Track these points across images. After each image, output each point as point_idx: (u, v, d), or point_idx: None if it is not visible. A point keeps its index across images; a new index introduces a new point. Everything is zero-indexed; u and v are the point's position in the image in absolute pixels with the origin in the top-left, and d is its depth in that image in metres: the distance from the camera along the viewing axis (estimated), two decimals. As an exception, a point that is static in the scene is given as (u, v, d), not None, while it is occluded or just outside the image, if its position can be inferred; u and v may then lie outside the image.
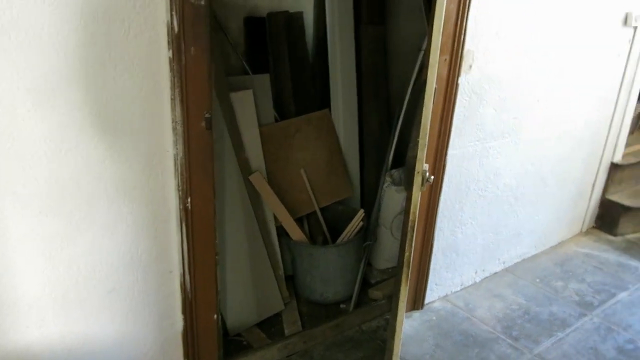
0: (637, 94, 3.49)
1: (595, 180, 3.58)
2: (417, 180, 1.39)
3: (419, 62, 2.89)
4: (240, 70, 2.83)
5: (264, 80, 2.74)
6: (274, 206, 2.65)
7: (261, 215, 2.64)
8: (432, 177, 1.54)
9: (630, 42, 3.20)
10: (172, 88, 1.60)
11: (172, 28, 1.53)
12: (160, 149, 1.66)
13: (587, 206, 3.64)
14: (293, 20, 2.87)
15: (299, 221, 2.88)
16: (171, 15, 1.52)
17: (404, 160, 3.15)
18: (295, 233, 2.70)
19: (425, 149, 1.35)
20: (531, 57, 2.69)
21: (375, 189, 3.13)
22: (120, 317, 1.79)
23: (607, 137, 3.47)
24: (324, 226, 2.92)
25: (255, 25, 2.82)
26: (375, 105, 3.15)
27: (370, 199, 3.16)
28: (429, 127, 1.37)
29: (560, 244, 3.57)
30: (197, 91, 1.63)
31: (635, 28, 3.18)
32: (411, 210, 1.44)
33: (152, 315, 1.86)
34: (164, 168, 1.70)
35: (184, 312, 1.92)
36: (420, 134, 1.36)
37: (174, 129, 1.65)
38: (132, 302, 1.80)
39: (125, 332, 1.82)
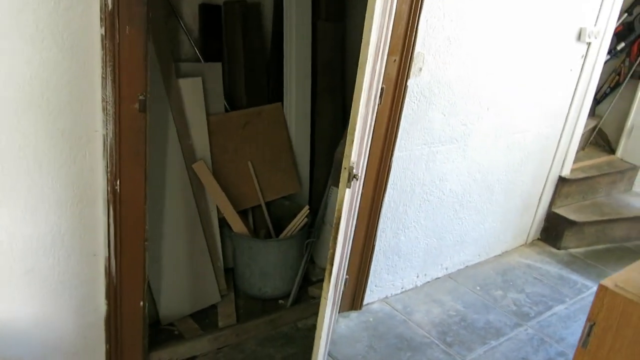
0: (588, 109, 3.56)
1: (542, 193, 3.65)
2: (344, 176, 1.38)
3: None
4: (193, 57, 2.78)
5: (215, 69, 2.70)
6: (216, 196, 2.61)
7: (203, 205, 2.61)
8: (360, 173, 1.54)
9: (583, 58, 3.27)
10: (104, 67, 1.55)
11: (106, 4, 1.48)
12: (89, 129, 1.62)
13: (533, 218, 3.71)
14: (250, 10, 2.84)
15: (243, 214, 2.86)
16: (102, -9, 1.47)
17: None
18: (237, 225, 2.67)
19: (353, 145, 1.35)
20: (483, 64, 2.72)
21: (324, 186, 3.12)
22: (39, 298, 1.74)
23: (557, 150, 3.54)
24: (268, 220, 2.90)
25: (211, 12, 2.78)
26: (330, 102, 3.15)
27: (318, 196, 3.15)
28: (357, 123, 1.36)
29: (504, 253, 3.62)
30: (130, 71, 1.59)
31: (589, 44, 3.25)
32: (337, 207, 1.43)
33: (73, 298, 1.81)
34: (93, 148, 1.65)
35: (107, 297, 1.87)
36: (349, 129, 1.35)
37: (104, 108, 1.60)
38: (52, 284, 1.75)
39: (43, 314, 1.77)
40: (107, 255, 1.80)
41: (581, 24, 3.13)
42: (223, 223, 2.71)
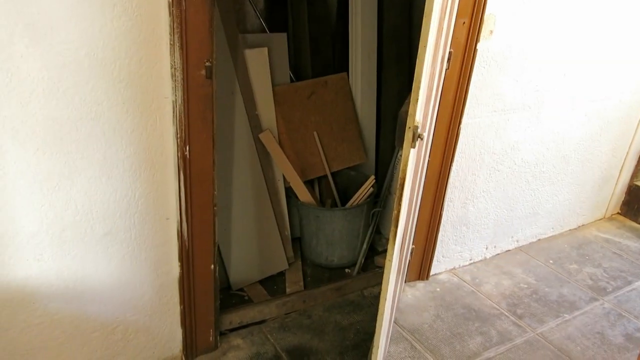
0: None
1: (623, 165, 3.45)
2: (408, 136, 1.35)
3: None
4: (259, 28, 2.81)
5: (281, 39, 2.71)
6: (283, 166, 2.65)
7: (270, 175, 2.65)
8: (425, 133, 1.51)
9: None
10: (171, 33, 1.59)
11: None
12: (158, 95, 1.67)
13: (612, 191, 3.52)
14: (315, -21, 2.83)
15: (309, 184, 2.88)
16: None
17: (422, 130, 3.10)
18: (303, 195, 2.70)
19: (418, 103, 1.32)
20: (560, 26, 2.58)
21: (390, 156, 3.09)
22: (117, 259, 1.83)
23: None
24: (334, 190, 2.91)
25: (276, -18, 2.79)
26: (396, 71, 3.10)
27: (384, 167, 3.13)
28: (422, 81, 1.33)
29: (580, 227, 3.47)
30: (197, 38, 1.62)
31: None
32: (401, 168, 1.41)
33: (148, 260, 1.89)
34: (163, 114, 1.70)
35: (180, 259, 1.95)
36: (413, 87, 1.32)
37: (173, 75, 1.65)
38: (129, 246, 1.83)
39: (121, 274, 1.86)
40: (179, 219, 1.87)
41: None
42: (290, 193, 2.75)
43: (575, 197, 3.30)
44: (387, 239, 3.02)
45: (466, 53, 2.30)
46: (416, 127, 1.33)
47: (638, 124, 3.35)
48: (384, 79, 3.07)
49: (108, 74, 1.56)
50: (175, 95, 1.68)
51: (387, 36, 3.01)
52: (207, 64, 1.68)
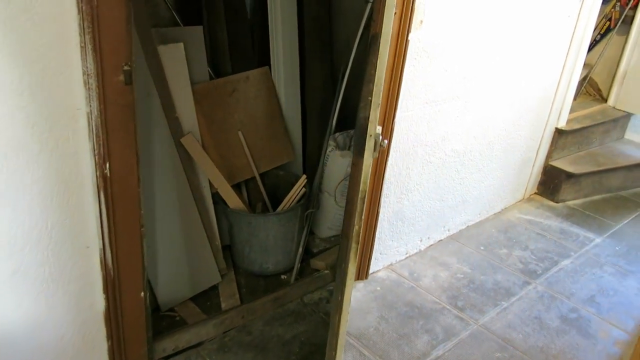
0: (584, 57, 3.44)
1: (539, 146, 3.55)
2: (369, 144, 1.22)
3: (366, 15, 2.70)
4: (171, 21, 2.56)
5: (196, 33, 2.48)
6: (208, 171, 2.44)
7: (195, 182, 2.43)
8: (386, 141, 1.38)
9: (581, 2, 3.12)
10: (82, 34, 1.35)
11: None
12: (69, 107, 1.42)
13: (530, 172, 3.62)
14: (230, -33, 2.61)
15: (236, 188, 2.69)
16: (77, -56, 1.26)
17: (349, 123, 3.00)
18: (232, 200, 2.51)
19: (379, 108, 1.19)
20: (487, 14, 2.56)
21: (318, 153, 2.96)
22: (29, 299, 1.56)
23: (554, 101, 3.42)
24: (264, 193, 2.74)
25: (188, -30, 2.55)
26: (319, 63, 2.96)
27: (313, 164, 2.99)
28: (383, 82, 1.20)
29: (504, 210, 3.54)
30: (113, 38, 1.39)
31: (586, -12, 3.11)
32: (361, 180, 1.28)
33: (67, 295, 1.64)
34: (76, 129, 1.46)
35: (105, 290, 1.71)
36: (374, 91, 1.19)
37: (86, 83, 1.40)
38: (43, 283, 1.57)
39: (36, 315, 1.60)
40: (101, 246, 1.63)
41: (579, -34, 2.98)
42: (217, 199, 2.54)
43: (498, 182, 3.35)
44: (322, 239, 2.91)
45: (398, 44, 2.20)
46: (378, 135, 1.20)
47: (551, 105, 3.44)
48: (307, 71, 2.92)
49: (5, 85, 1.29)
50: (90, 106, 1.43)
51: (309, 27, 2.86)
52: (126, 68, 1.45)
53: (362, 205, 1.31)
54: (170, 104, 2.29)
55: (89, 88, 1.41)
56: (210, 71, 2.58)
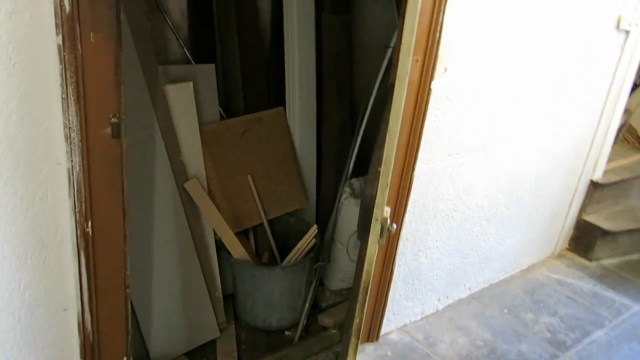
0: (624, 104, 3.22)
1: (572, 199, 3.32)
2: (375, 229, 1.06)
3: (386, 60, 2.56)
4: (182, 58, 2.45)
5: (208, 71, 2.37)
6: (212, 219, 2.29)
7: (198, 229, 2.29)
8: (395, 225, 1.22)
9: (622, 48, 2.92)
10: (64, 84, 1.22)
11: (62, 7, 1.15)
12: (48, 161, 1.29)
13: (561, 227, 3.39)
14: (245, 2, 2.50)
15: (244, 234, 2.54)
16: (60, -12, 1.14)
17: (366, 168, 2.84)
18: (236, 250, 2.36)
19: (387, 189, 1.02)
20: (515, 60, 2.39)
21: (333, 199, 2.80)
22: (-3, 365, 1.42)
23: (589, 151, 3.20)
24: (272, 241, 2.58)
25: (201, 6, 2.45)
26: (337, 105, 2.81)
27: (326, 210, 2.83)
28: (393, 161, 1.04)
29: (531, 267, 3.30)
30: (98, 89, 1.26)
31: (628, 32, 2.90)
32: (364, 268, 1.11)
33: (40, 362, 1.49)
34: (56, 184, 1.32)
35: (83, 357, 1.56)
36: (382, 170, 1.03)
37: (67, 137, 1.28)
38: (13, 348, 1.43)
39: (4, 383, 1.45)
40: (80, 309, 1.49)
41: (620, 12, 2.78)
42: (221, 244, 2.39)
43: (526, 237, 3.13)
44: (332, 292, 2.73)
45: (420, 93, 2.04)
46: (385, 220, 1.03)
47: (587, 155, 3.23)
48: (324, 113, 2.78)
49: (-25, 139, 1.16)
50: (72, 161, 1.30)
51: (327, 67, 2.73)
52: (114, 120, 1.31)
53: (364, 297, 1.14)
54: (175, 147, 2.16)
55: (70, 142, 1.28)
56: (221, 111, 2.46)
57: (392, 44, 2.53)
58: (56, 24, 1.17)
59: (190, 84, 2.21)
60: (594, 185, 3.37)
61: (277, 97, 2.69)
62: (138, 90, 2.02)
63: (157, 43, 2.36)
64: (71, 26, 1.17)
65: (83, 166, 1.31)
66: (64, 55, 1.20)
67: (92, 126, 1.28)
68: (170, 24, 2.33)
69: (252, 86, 2.57)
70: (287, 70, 2.62)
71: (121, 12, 1.24)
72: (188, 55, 2.39)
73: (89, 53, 1.22)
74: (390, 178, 1.04)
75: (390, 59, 2.53)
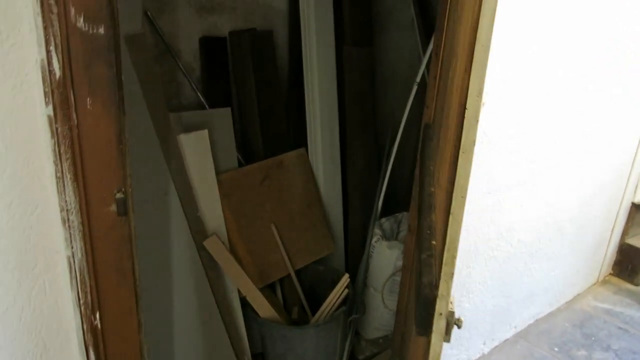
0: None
1: (614, 224, 3.09)
2: (439, 325, 0.86)
3: (412, 97, 2.38)
4: (196, 102, 2.28)
5: (224, 116, 2.19)
6: (235, 277, 2.09)
7: (220, 289, 2.09)
8: (463, 319, 1.01)
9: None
10: (58, 162, 1.04)
11: (51, 71, 0.97)
12: (44, 252, 1.10)
13: (605, 252, 3.15)
14: (261, 40, 2.33)
15: (270, 288, 2.34)
16: (48, 51, 0.96)
17: (396, 205, 2.63)
18: (264, 309, 2.15)
19: (453, 279, 0.83)
20: (550, 93, 2.20)
21: (362, 242, 2.59)
22: None
23: (630, 174, 2.98)
24: (301, 294, 2.37)
25: (214, 46, 2.28)
26: (362, 141, 2.62)
27: (356, 254, 2.62)
28: (458, 245, 0.85)
29: (577, 297, 3.06)
30: (99, 163, 1.08)
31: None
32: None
33: None
34: (55, 276, 1.14)
35: None
36: (446, 258, 0.83)
37: (65, 220, 1.09)
38: None
39: None
40: (92, 410, 1.28)
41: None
42: (246, 301, 2.19)
43: (570, 269, 2.90)
44: (368, 341, 2.50)
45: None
46: (451, 314, 0.83)
47: (628, 179, 3.00)
48: (348, 151, 2.59)
49: (-45, 234, 0.98)
50: (72, 248, 1.11)
51: (350, 102, 2.54)
52: (119, 195, 1.13)
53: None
54: (191, 202, 1.98)
55: (69, 226, 1.09)
56: (239, 157, 2.28)
57: (418, 79, 2.35)
58: (45, 93, 0.99)
59: (206, 132, 2.03)
60: (635, 208, 3.15)
61: (298, 137, 2.51)
62: (148, 143, 1.85)
63: (168, 88, 2.19)
64: (63, 93, 1.00)
65: (86, 252, 1.12)
66: (57, 128, 1.01)
67: (93, 206, 1.10)
68: (181, 67, 2.17)
69: (271, 127, 2.39)
70: (307, 108, 2.43)
71: (121, 67, 1.06)
72: (202, 99, 2.22)
73: (86, 122, 1.03)
74: (455, 265, 0.84)
75: (418, 95, 2.35)
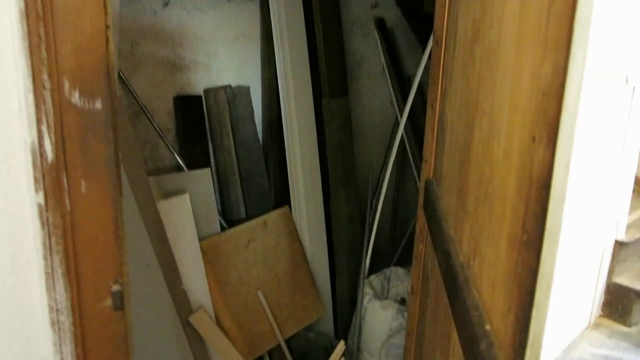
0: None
1: (601, 264, 3.07)
2: None
3: (394, 150, 2.33)
4: (173, 164, 2.15)
5: (203, 177, 2.07)
6: (224, 354, 1.93)
7: (208, 366, 1.92)
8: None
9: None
10: (48, 256, 0.90)
11: (43, 154, 0.84)
12: (29, 357, 0.94)
13: (593, 293, 3.11)
14: (238, 96, 2.24)
15: (259, 359, 2.17)
16: (39, 131, 0.83)
17: (384, 260, 2.54)
18: (256, 385, 1.99)
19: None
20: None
21: (350, 301, 2.47)
22: None
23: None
24: (292, 364, 2.22)
25: (189, 105, 2.17)
26: (345, 194, 2.53)
27: (345, 316, 2.49)
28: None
29: (572, 344, 2.99)
30: (94, 253, 0.94)
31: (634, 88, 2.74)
32: None
33: None
34: (41, 385, 0.97)
35: None
36: (528, 354, 0.73)
37: (55, 322, 0.94)
38: None
39: None
40: None
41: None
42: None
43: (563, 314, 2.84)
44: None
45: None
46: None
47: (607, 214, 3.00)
48: (332, 205, 2.49)
49: None
50: (62, 353, 0.95)
51: (331, 155, 2.46)
52: (116, 287, 0.98)
53: None
54: (174, 274, 1.82)
55: (58, 329, 0.94)
56: (221, 220, 2.15)
57: (400, 130, 2.30)
58: (35, 178, 0.86)
59: (187, 196, 1.90)
60: (619, 245, 3.15)
61: (280, 193, 2.39)
62: (126, 210, 1.70)
63: (142, 149, 2.06)
64: (56, 178, 0.86)
65: (77, 355, 0.96)
66: (47, 218, 0.87)
67: (87, 302, 0.95)
68: (157, 127, 2.04)
69: (252, 187, 2.27)
70: (289, 164, 2.34)
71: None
72: (179, 160, 2.09)
73: (80, 209, 0.90)
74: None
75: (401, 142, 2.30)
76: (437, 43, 1.61)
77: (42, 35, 0.81)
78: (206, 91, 2.22)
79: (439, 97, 1.65)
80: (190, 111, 2.18)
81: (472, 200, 1.12)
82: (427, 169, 1.74)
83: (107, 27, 0.88)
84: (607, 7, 0.65)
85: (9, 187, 0.83)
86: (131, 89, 1.98)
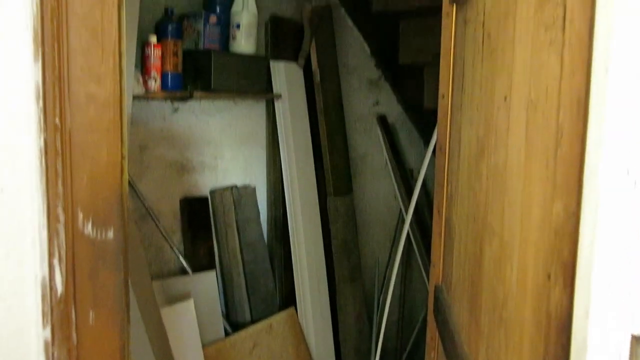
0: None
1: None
2: None
3: (400, 247, 2.32)
4: (178, 267, 2.13)
5: (208, 281, 2.05)
6: None
7: None
8: None
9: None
10: (51, 390, 0.87)
11: (52, 288, 0.83)
12: None
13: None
14: (244, 197, 2.26)
15: None
16: (50, 265, 0.83)
17: (393, 356, 2.46)
18: None
19: None
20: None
21: (360, 407, 2.37)
22: None
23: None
24: None
25: (195, 207, 2.18)
26: (351, 292, 2.49)
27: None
28: None
29: None
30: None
31: None
32: None
33: None
34: None
35: None
36: None
37: None
38: None
39: None
40: None
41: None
42: None
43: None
44: None
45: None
46: None
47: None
48: (339, 304, 2.45)
49: None
50: None
51: (337, 253, 2.45)
52: (120, 420, 0.94)
53: None
54: (177, 384, 1.76)
55: None
56: (226, 325, 2.10)
57: (407, 226, 2.30)
58: (43, 313, 0.84)
59: (191, 302, 1.87)
60: (636, 340, 3.05)
61: (285, 293, 2.36)
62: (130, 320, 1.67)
63: (147, 252, 2.05)
64: (64, 311, 0.85)
65: None
66: (53, 353, 0.85)
67: None
68: (162, 230, 2.04)
69: (257, 288, 2.24)
70: (294, 263, 2.32)
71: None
72: (184, 263, 2.07)
73: (87, 341, 0.88)
74: None
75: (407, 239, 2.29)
76: (440, 149, 1.65)
77: (60, 169, 0.83)
78: (212, 192, 2.24)
79: (444, 202, 1.65)
80: (197, 213, 2.19)
81: (486, 322, 1.10)
82: (436, 274, 1.71)
83: (122, 157, 0.90)
84: (615, 150, 0.65)
85: (16, 324, 0.82)
86: (138, 193, 2.00)
